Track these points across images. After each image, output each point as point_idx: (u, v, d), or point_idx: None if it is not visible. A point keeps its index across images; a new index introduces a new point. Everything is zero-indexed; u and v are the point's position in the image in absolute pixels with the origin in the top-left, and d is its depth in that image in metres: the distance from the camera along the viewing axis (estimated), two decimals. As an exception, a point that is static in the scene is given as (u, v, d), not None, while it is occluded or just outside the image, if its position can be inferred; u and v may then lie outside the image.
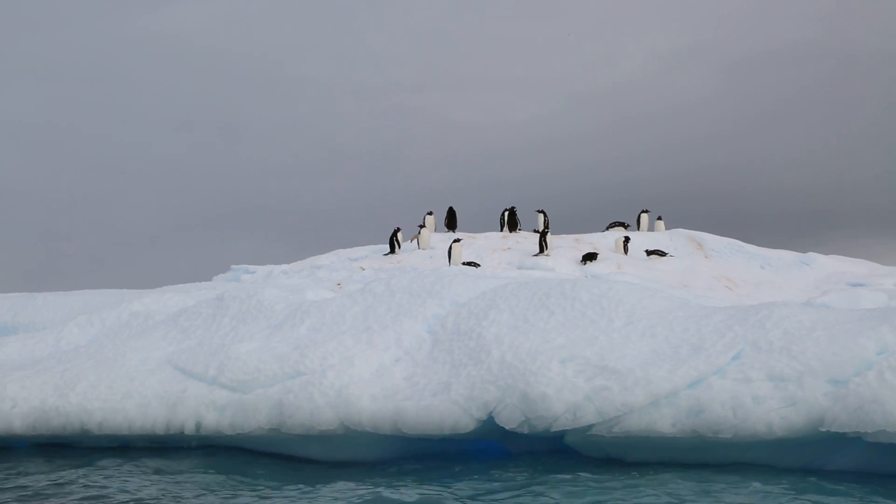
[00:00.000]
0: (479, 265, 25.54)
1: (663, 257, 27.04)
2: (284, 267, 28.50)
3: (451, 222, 31.06)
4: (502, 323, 13.32)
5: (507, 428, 11.84)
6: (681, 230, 29.69)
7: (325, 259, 28.87)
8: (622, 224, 30.90)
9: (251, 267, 29.11)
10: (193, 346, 14.85)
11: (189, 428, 13.39)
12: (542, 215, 29.91)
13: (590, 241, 28.75)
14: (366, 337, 13.89)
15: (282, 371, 13.45)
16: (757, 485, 9.91)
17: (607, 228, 30.76)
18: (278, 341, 14.25)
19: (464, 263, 25.48)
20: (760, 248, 28.30)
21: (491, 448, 13.35)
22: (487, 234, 29.86)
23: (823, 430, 10.14)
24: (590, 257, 26.43)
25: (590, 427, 11.31)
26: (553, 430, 11.50)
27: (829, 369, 10.46)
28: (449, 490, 10.64)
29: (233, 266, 29.49)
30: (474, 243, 28.41)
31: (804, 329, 11.26)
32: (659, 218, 30.88)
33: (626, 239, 27.90)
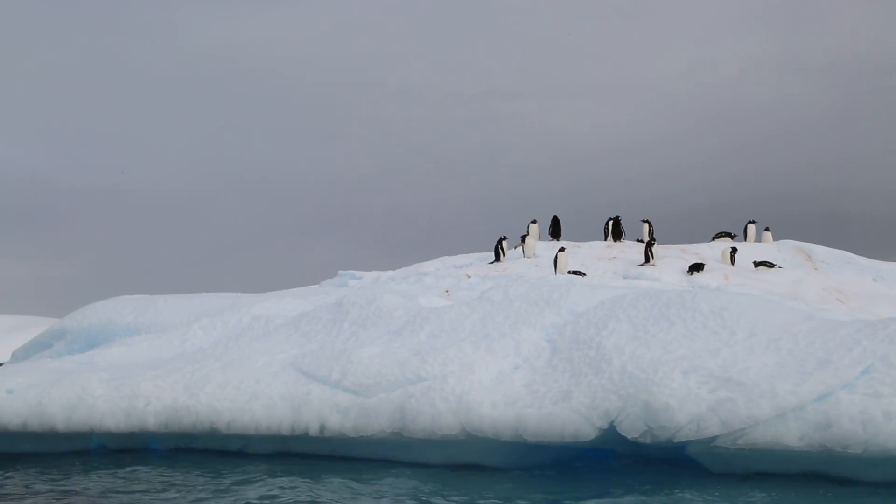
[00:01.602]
0: (584, 274, 25.58)
1: (771, 269, 26.69)
2: (391, 273, 28.92)
3: (555, 231, 31.14)
4: (622, 333, 13.42)
5: (628, 437, 11.94)
6: (789, 241, 29.25)
7: (430, 266, 29.20)
8: (729, 234, 30.57)
9: (357, 273, 29.62)
10: (315, 350, 15.27)
11: (313, 429, 13.79)
12: (647, 225, 29.80)
13: (696, 252, 28.51)
14: (485, 344, 14.13)
15: (403, 376, 13.77)
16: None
17: (713, 239, 30.46)
18: (399, 347, 14.58)
19: (569, 272, 25.55)
20: (872, 259, 27.73)
21: (607, 455, 13.47)
22: (591, 242, 29.84)
23: (958, 447, 10.02)
24: (696, 268, 26.23)
25: (713, 439, 11.34)
26: (676, 440, 11.57)
27: (963, 386, 10.33)
28: (575, 494, 10.81)
29: (340, 271, 30.06)
30: (579, 252, 28.43)
31: (936, 344, 11.11)
32: (766, 229, 30.48)
33: (734, 249, 27.60)
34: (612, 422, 12.05)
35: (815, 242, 28.83)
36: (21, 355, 22.11)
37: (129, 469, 13.40)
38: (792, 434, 10.89)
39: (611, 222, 30.49)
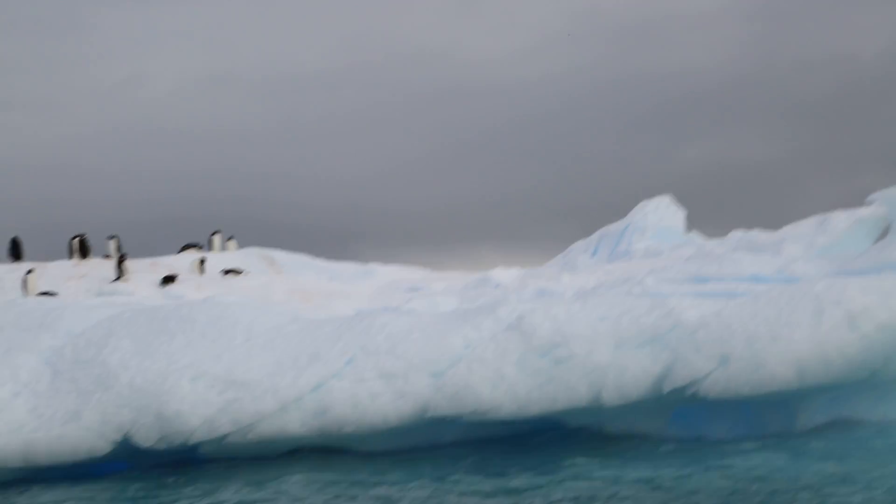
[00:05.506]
0: (56, 294, 25.08)
1: (240, 275, 28.29)
2: None
3: (15, 251, 29.87)
4: (125, 349, 13.85)
5: (143, 446, 12.55)
6: (253, 248, 31.09)
7: None
8: (195, 245, 31.64)
9: None
10: None
11: None
12: (114, 241, 29.83)
13: (166, 264, 29.17)
14: (-20, 375, 13.73)
15: None
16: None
17: (181, 250, 31.32)
18: None
19: (39, 294, 24.91)
20: (328, 261, 30.56)
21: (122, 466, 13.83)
22: (58, 262, 29.15)
23: (429, 416, 12.15)
24: (169, 279, 26.98)
25: (225, 436, 12.40)
26: (190, 443, 12.44)
27: (428, 364, 12.51)
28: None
29: None
30: (46, 272, 27.67)
31: (403, 332, 13.19)
32: (230, 238, 32.05)
33: (203, 259, 28.76)
34: (126, 434, 12.57)
35: (276, 248, 31.04)
36: None
37: None
38: (294, 423, 12.34)
39: (77, 240, 30.00)
